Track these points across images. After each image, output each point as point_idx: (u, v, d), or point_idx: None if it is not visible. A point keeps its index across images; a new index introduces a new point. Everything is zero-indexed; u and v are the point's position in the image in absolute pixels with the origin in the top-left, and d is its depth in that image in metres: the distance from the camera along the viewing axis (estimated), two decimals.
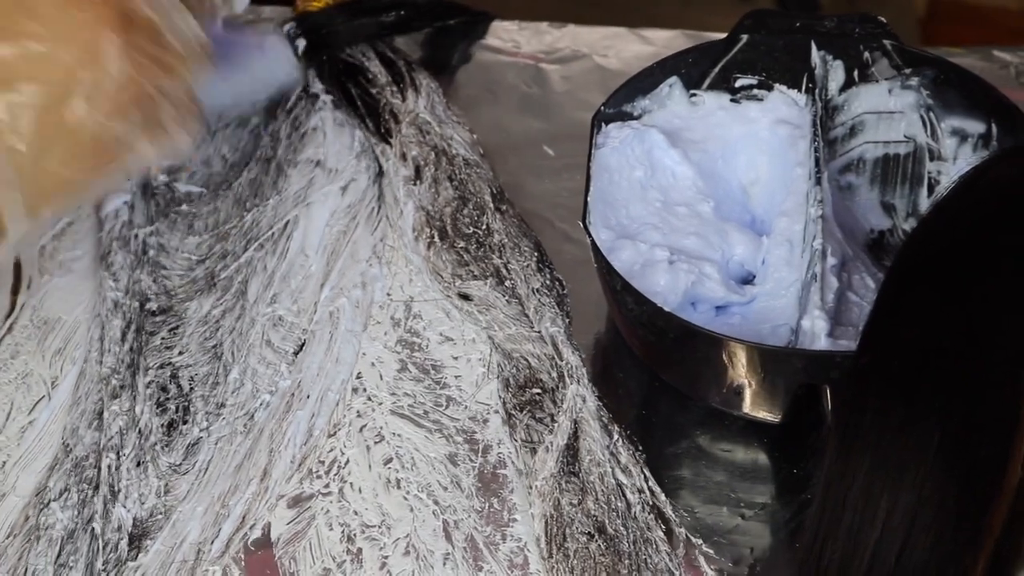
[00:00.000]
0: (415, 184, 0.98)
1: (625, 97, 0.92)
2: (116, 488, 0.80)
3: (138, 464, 0.81)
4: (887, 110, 0.93)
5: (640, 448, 0.81)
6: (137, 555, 0.77)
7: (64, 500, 0.79)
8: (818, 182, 0.85)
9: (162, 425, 0.83)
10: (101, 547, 0.77)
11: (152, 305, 0.91)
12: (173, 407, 0.85)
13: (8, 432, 0.83)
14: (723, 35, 0.95)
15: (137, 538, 0.77)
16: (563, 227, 0.96)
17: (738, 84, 0.94)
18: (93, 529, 0.78)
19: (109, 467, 0.81)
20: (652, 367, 0.86)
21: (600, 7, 1.69)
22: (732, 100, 0.94)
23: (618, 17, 1.21)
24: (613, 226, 0.88)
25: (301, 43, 1.10)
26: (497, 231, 0.94)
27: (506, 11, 1.17)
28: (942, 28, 2.14)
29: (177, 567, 0.76)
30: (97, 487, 0.80)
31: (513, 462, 0.81)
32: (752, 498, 0.80)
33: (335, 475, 0.81)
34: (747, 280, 0.89)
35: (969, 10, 2.17)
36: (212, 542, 0.77)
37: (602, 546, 0.75)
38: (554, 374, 0.85)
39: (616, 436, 0.81)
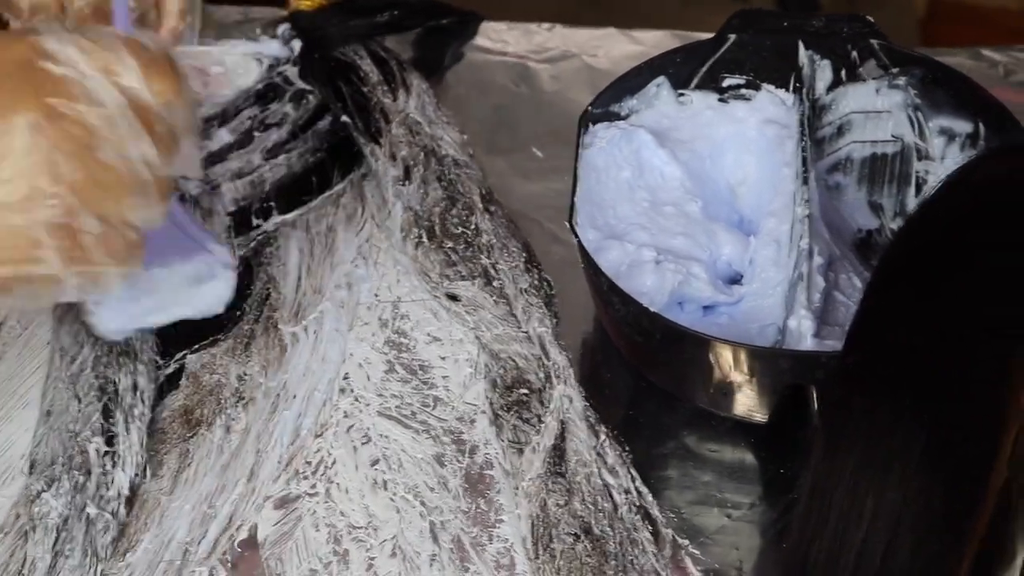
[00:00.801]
0: (404, 184, 0.97)
1: (613, 97, 0.92)
2: (115, 457, 0.80)
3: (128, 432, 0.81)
4: (875, 109, 0.93)
5: (627, 449, 0.81)
6: (126, 554, 0.76)
7: (56, 488, 0.78)
8: (805, 182, 0.85)
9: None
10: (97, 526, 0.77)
11: None
12: None
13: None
14: (712, 35, 0.95)
15: (131, 502, 0.78)
16: (551, 228, 0.96)
17: (726, 84, 0.94)
18: (88, 515, 0.77)
19: (98, 451, 0.80)
20: (639, 368, 0.86)
21: (600, 7, 1.69)
22: (720, 100, 0.94)
23: (618, 17, 1.20)
24: (600, 226, 0.88)
25: (297, 44, 1.09)
26: (485, 231, 0.94)
27: (508, 11, 1.17)
28: (942, 28, 2.15)
29: (164, 567, 0.76)
30: (89, 472, 0.79)
31: (500, 463, 0.81)
32: (739, 498, 0.80)
33: (322, 476, 0.81)
34: (735, 280, 0.89)
35: (969, 10, 2.17)
36: (199, 542, 0.77)
37: (588, 547, 0.75)
38: (541, 375, 0.84)
39: (603, 437, 0.81)
